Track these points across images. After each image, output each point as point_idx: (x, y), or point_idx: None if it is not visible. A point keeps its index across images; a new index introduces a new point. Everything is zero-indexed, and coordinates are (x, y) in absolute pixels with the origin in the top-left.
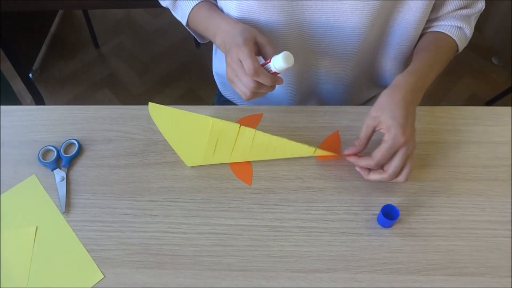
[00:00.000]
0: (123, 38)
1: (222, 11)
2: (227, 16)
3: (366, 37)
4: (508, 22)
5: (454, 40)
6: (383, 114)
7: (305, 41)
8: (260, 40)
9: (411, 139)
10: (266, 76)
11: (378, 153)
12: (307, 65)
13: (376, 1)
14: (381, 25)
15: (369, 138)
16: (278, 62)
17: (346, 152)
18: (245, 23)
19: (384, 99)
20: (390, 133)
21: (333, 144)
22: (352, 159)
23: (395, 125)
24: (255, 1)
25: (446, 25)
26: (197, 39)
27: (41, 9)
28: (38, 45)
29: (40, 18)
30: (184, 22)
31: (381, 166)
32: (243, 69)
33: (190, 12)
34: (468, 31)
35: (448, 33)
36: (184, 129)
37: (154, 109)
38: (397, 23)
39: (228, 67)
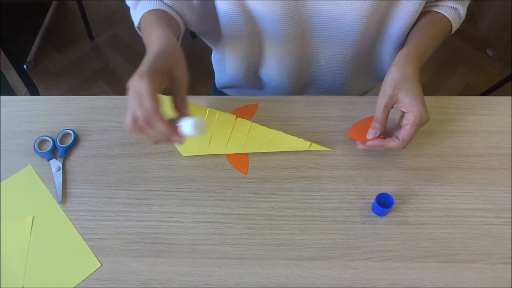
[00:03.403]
0: (118, 30)
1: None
2: (163, 33)
3: (366, 29)
4: (503, 14)
5: (449, 20)
6: (400, 92)
7: (305, 33)
8: (178, 75)
9: (428, 115)
10: (161, 126)
11: (407, 135)
12: (306, 56)
13: None
14: (381, 17)
15: (387, 118)
16: (187, 128)
17: (369, 136)
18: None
19: (396, 75)
20: (415, 113)
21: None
22: (378, 142)
23: (418, 104)
24: None
25: (442, 5)
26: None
27: (35, 0)
28: (32, 36)
29: (34, 9)
30: (135, 24)
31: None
32: (142, 105)
33: (142, 15)
34: (462, 12)
35: (445, 14)
36: None
37: None
38: (397, 14)
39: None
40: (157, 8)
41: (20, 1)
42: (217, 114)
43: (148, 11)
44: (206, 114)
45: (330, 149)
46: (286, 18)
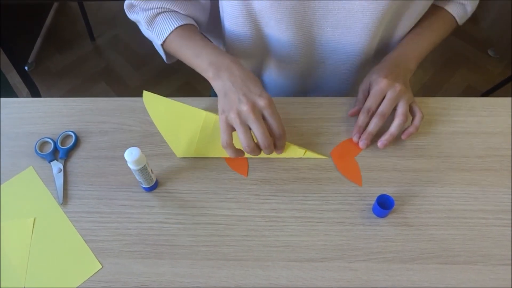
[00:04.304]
0: (119, 31)
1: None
2: (224, 51)
3: (374, 35)
4: (504, 15)
5: (452, 15)
6: (370, 77)
7: (313, 41)
8: None
9: (396, 83)
10: (278, 119)
11: (368, 100)
12: (313, 64)
13: (386, 0)
14: (389, 23)
15: (365, 98)
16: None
17: (350, 112)
18: (255, 24)
19: (372, 69)
20: (373, 83)
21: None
22: (354, 131)
23: (377, 76)
24: (267, 1)
25: (447, 0)
26: (165, 59)
27: (37, 1)
28: (34, 38)
29: (35, 10)
30: (160, 41)
31: (373, 113)
32: (261, 121)
33: (172, 31)
34: (470, 6)
35: (448, 10)
36: (177, 120)
37: (148, 98)
38: (405, 18)
39: (234, 111)
40: (180, 24)
41: (21, 2)
42: (214, 117)
43: (181, 26)
44: (203, 117)
45: (326, 157)
46: (294, 26)
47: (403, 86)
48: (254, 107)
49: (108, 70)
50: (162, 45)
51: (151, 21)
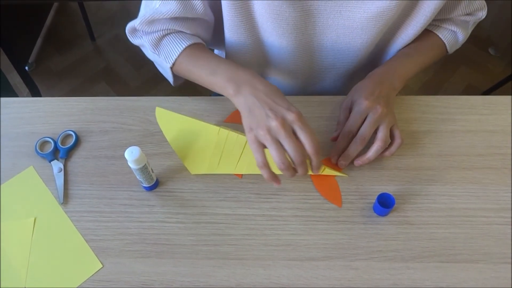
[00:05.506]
0: (119, 31)
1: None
2: (241, 66)
3: (372, 50)
4: (505, 13)
5: (443, 41)
6: (352, 96)
7: (312, 56)
8: None
9: (378, 105)
10: (311, 133)
11: (347, 123)
12: (313, 77)
13: (386, 19)
14: (387, 37)
15: (347, 118)
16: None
17: (332, 137)
18: (256, 42)
19: (356, 85)
20: (354, 103)
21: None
22: (333, 153)
23: (358, 97)
24: (268, 15)
25: (439, 26)
26: (172, 82)
27: (37, 1)
28: (34, 38)
29: (35, 10)
30: (169, 63)
31: (353, 136)
32: (292, 137)
33: (181, 52)
34: (462, 36)
35: (439, 35)
36: (190, 137)
37: (161, 114)
38: (403, 33)
39: (263, 127)
40: (188, 43)
41: (21, 2)
42: (228, 133)
43: (190, 45)
44: (217, 134)
45: (345, 175)
46: (294, 41)
47: (384, 108)
48: (283, 122)
49: (108, 70)
50: (171, 67)
51: (157, 44)
